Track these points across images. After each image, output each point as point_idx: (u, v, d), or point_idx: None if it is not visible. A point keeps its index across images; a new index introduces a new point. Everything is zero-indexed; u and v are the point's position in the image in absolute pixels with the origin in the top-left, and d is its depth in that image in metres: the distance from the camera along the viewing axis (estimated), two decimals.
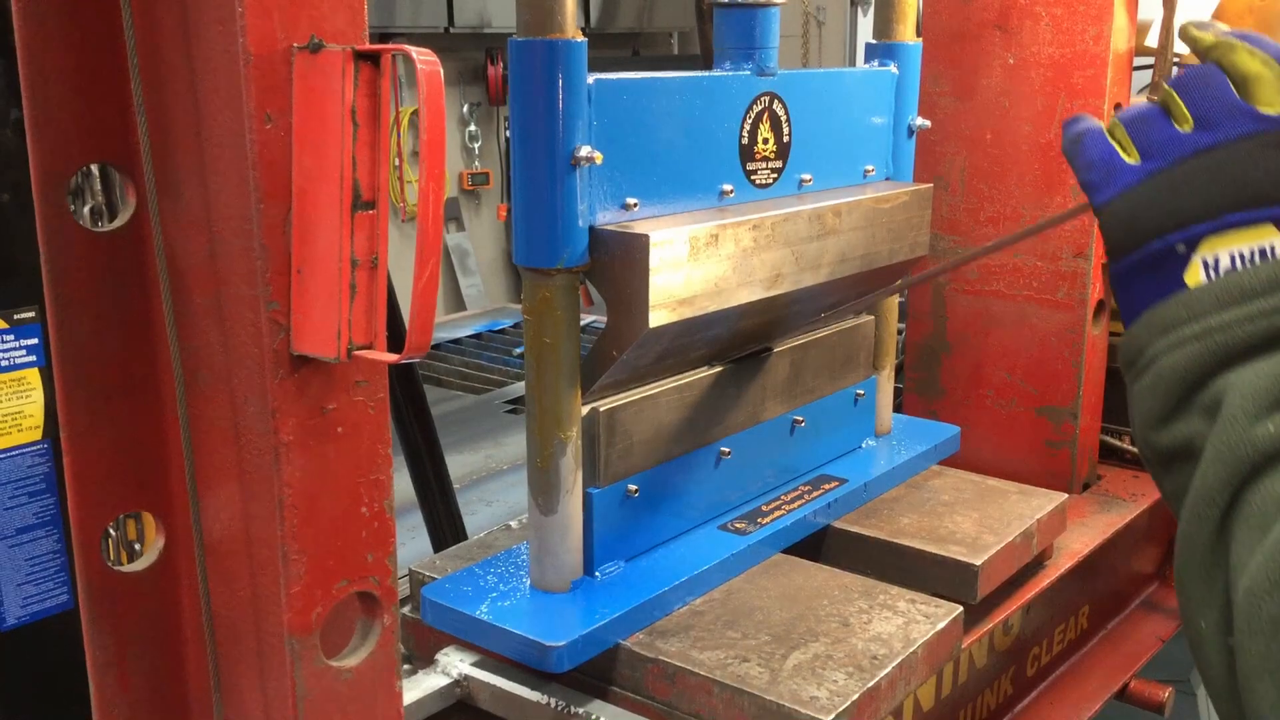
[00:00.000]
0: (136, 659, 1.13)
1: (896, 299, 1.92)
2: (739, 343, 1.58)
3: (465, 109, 7.47)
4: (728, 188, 1.49)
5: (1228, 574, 0.80)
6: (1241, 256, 0.87)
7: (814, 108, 1.61)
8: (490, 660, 1.44)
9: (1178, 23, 2.04)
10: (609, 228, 1.33)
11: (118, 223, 1.05)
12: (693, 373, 1.54)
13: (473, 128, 7.57)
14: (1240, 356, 0.83)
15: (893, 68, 1.77)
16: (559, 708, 1.36)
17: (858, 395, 1.85)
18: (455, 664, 1.44)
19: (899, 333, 2.10)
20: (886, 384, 1.93)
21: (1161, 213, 0.89)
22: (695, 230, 1.36)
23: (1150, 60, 2.11)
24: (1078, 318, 2.04)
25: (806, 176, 1.62)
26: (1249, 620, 0.76)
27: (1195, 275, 0.88)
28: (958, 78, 2.07)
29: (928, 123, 1.82)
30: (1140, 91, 2.16)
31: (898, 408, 2.14)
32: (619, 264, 1.32)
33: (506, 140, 7.91)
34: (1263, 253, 0.86)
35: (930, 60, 1.89)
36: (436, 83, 0.83)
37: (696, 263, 1.36)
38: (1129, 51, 2.00)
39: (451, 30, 7.00)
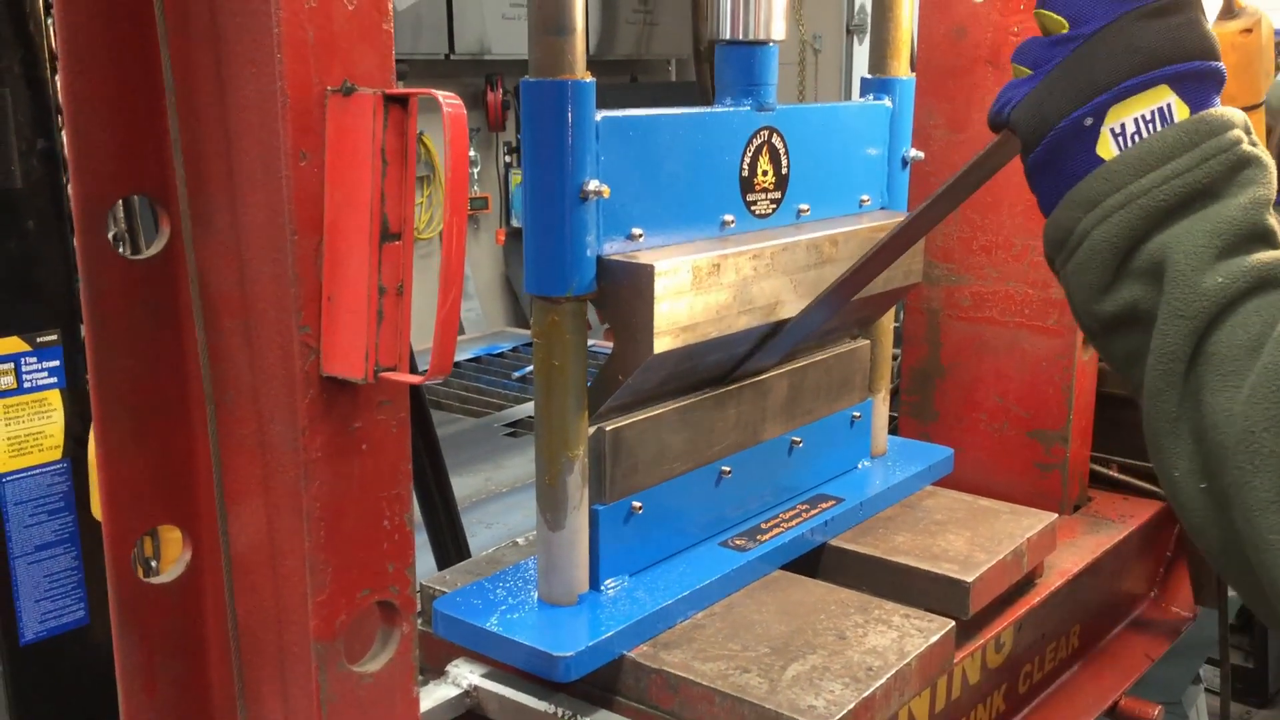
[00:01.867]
0: (163, 667, 1.18)
1: (892, 325, 1.98)
2: (739, 369, 1.64)
3: None
4: (729, 218, 1.55)
5: (1198, 423, 0.86)
6: (1144, 119, 0.93)
7: (811, 141, 1.68)
8: (499, 671, 1.49)
9: None
10: (615, 258, 1.39)
11: (152, 251, 1.10)
12: (695, 394, 1.60)
13: (472, 153, 7.65)
14: (1165, 218, 0.90)
15: (887, 101, 1.84)
16: (565, 717, 1.41)
17: (854, 417, 1.90)
18: (465, 675, 1.49)
19: (894, 357, 2.16)
20: (882, 406, 1.98)
21: (1064, 97, 0.96)
22: (698, 260, 1.42)
23: None
24: (1068, 344, 2.10)
25: (804, 207, 1.68)
26: (1251, 459, 0.82)
27: (1107, 147, 0.94)
28: (950, 111, 2.13)
29: (921, 154, 1.89)
30: None
31: (892, 430, 2.19)
32: (625, 292, 1.38)
33: (505, 165, 7.98)
34: (1160, 113, 0.93)
35: (924, 95, 1.95)
36: (461, 125, 0.89)
37: (699, 291, 1.42)
38: None
39: (452, 57, 7.08)
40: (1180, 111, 0.93)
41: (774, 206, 1.63)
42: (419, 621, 1.60)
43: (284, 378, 1.00)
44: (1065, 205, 0.96)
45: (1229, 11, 2.30)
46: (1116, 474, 2.30)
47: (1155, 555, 2.36)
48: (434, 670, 1.53)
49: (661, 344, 1.38)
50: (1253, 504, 0.82)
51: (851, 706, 1.33)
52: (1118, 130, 0.94)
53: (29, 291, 1.76)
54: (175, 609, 1.17)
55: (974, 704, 1.81)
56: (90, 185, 1.05)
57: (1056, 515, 1.89)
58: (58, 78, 1.79)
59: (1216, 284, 0.86)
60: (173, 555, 1.21)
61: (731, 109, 1.57)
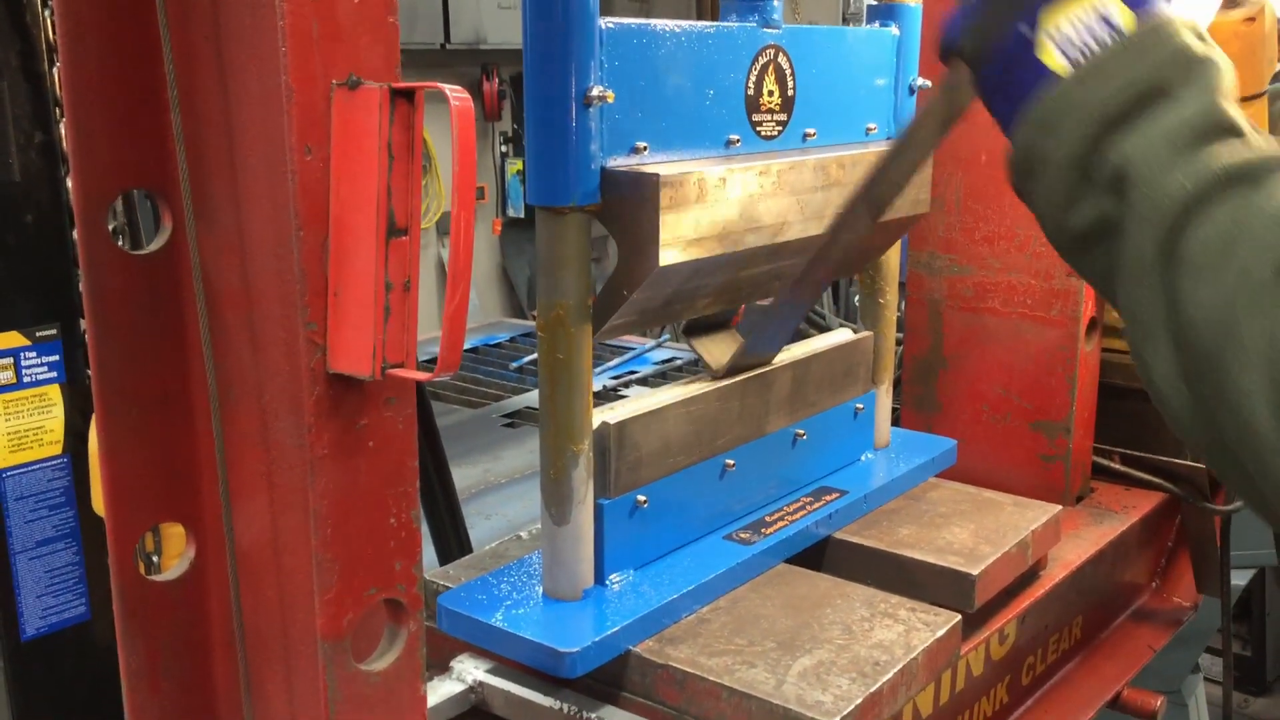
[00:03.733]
0: (167, 665, 1.17)
1: (895, 316, 1.97)
2: (745, 292, 1.62)
3: None
4: (734, 137, 1.53)
5: (1175, 329, 0.85)
6: (1083, 22, 0.93)
7: (818, 63, 1.65)
8: (504, 667, 1.48)
9: None
10: (620, 168, 1.37)
11: (154, 246, 1.09)
12: (698, 387, 1.59)
13: None
14: (1121, 126, 0.89)
15: (894, 29, 1.81)
16: (571, 713, 1.41)
17: (857, 409, 1.90)
18: (470, 670, 1.48)
19: (897, 344, 2.15)
20: (885, 398, 1.98)
21: (1002, 11, 0.96)
22: (704, 172, 1.40)
23: None
24: (1070, 334, 2.09)
25: (810, 131, 1.66)
26: (1236, 356, 0.82)
27: (1049, 54, 0.94)
28: None
29: (929, 82, 1.86)
30: None
31: (895, 422, 2.19)
32: (630, 203, 1.36)
33: (501, 155, 7.97)
34: (1102, 17, 0.93)
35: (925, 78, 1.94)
36: (469, 119, 0.88)
37: (705, 204, 1.40)
38: None
39: (448, 46, 7.06)
40: (1123, 15, 0.92)
41: (780, 129, 1.61)
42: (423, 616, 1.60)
43: (289, 374, 0.99)
44: (1021, 128, 0.96)
45: (1232, 1, 2.29)
46: (1118, 465, 2.30)
47: (1157, 546, 2.36)
48: (438, 666, 1.52)
49: (667, 256, 1.36)
50: (1240, 400, 0.82)
51: (859, 701, 1.33)
52: (1058, 36, 0.94)
53: (28, 286, 1.75)
54: (179, 606, 1.16)
55: (978, 696, 1.81)
56: (91, 179, 1.04)
57: (1060, 507, 1.88)
58: (56, 70, 1.78)
59: (1179, 186, 0.85)
60: (175, 551, 1.20)
61: (737, 24, 1.54)
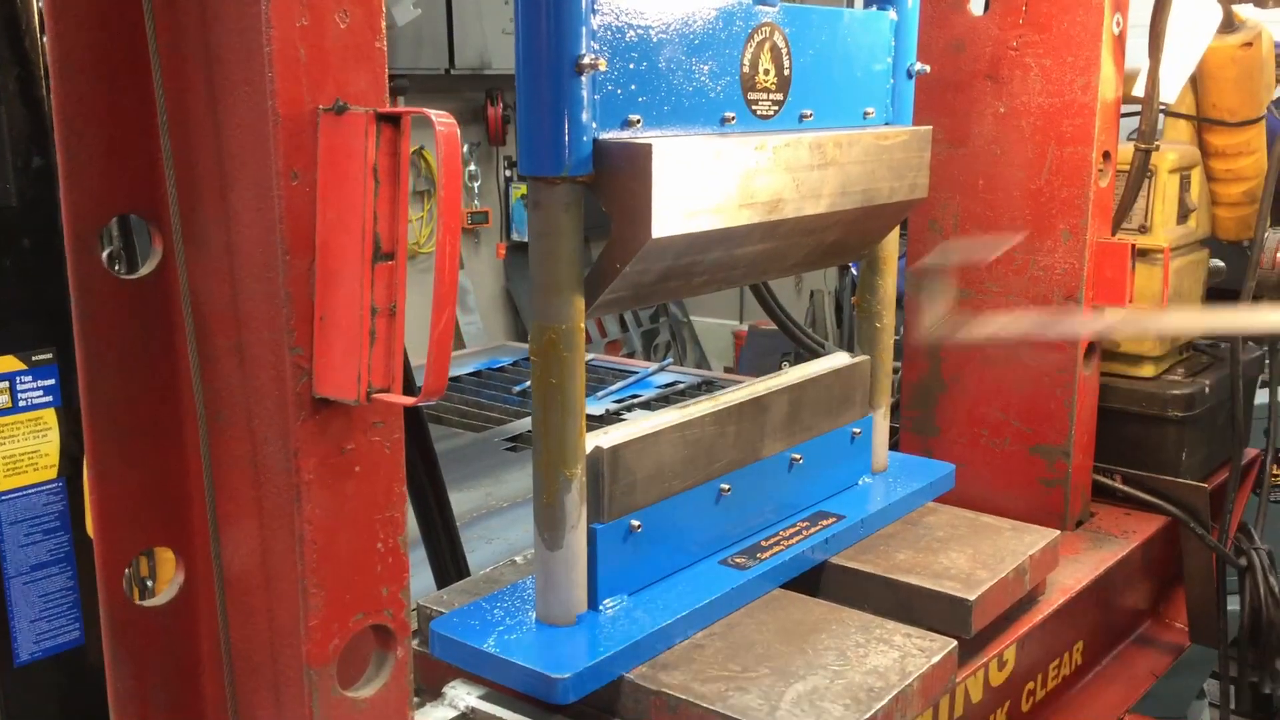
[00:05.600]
0: (156, 691, 1.16)
1: (892, 340, 1.97)
2: (741, 272, 1.61)
3: (465, 149, 7.55)
4: (729, 115, 1.52)
5: None
6: None
7: (814, 43, 1.64)
8: (496, 693, 1.47)
9: (1163, 72, 2.11)
10: (613, 140, 1.36)
11: (145, 270, 1.09)
12: (694, 411, 1.59)
13: (473, 167, 7.65)
14: None
15: (891, 13, 1.80)
16: None
17: (854, 433, 1.89)
18: (462, 696, 1.47)
19: (894, 372, 2.14)
20: (882, 422, 1.97)
21: None
22: (697, 145, 1.39)
23: (1137, 108, 2.17)
24: (1069, 358, 2.09)
25: (807, 112, 1.65)
26: None
27: None
28: (951, 125, 2.13)
29: (927, 67, 1.85)
30: (1130, 136, 2.21)
31: (895, 446, 2.18)
32: (623, 174, 1.34)
33: (506, 179, 7.99)
34: None
35: (924, 108, 1.94)
36: (454, 144, 0.88)
37: (699, 178, 1.39)
38: (1116, 100, 2.06)
39: (452, 71, 7.09)
40: None
41: (776, 109, 1.59)
42: (416, 642, 1.59)
43: (276, 399, 0.99)
44: None
45: (1229, 25, 2.29)
46: (1120, 485, 2.29)
47: (1158, 571, 2.34)
48: (431, 691, 1.51)
49: (660, 227, 1.34)
50: None
51: None
52: None
53: (25, 310, 1.75)
54: (168, 632, 1.15)
55: None
56: (81, 205, 1.04)
57: (1059, 532, 1.87)
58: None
59: None
60: (169, 576, 1.20)
61: (733, 1, 1.53)
